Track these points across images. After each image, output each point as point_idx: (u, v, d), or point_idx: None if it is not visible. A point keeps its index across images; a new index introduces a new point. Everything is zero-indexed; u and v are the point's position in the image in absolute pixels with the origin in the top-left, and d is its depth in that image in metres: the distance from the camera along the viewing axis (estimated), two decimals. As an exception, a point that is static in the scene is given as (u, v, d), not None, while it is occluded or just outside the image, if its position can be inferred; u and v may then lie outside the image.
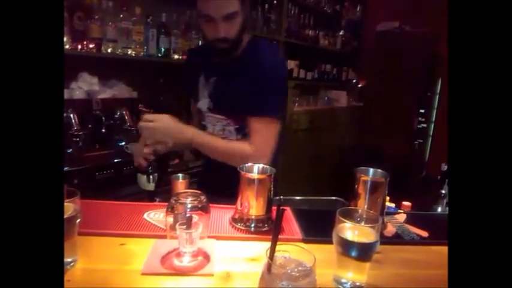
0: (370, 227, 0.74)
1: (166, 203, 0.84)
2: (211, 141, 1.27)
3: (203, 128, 1.39)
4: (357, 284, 0.73)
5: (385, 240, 0.92)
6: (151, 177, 1.23)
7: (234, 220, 0.99)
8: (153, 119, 1.20)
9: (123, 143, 1.98)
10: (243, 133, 1.32)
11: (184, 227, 0.77)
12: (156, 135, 1.19)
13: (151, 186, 1.24)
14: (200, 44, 1.53)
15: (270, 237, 0.61)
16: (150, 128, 1.19)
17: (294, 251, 0.63)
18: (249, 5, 1.29)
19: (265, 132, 1.26)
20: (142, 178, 1.24)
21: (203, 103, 1.37)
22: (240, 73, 1.28)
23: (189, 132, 1.24)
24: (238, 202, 0.98)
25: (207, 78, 1.36)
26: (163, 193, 1.92)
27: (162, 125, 1.20)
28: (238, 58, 1.29)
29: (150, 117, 1.20)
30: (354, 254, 0.71)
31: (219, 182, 1.12)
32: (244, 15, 1.22)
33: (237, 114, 1.31)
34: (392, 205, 1.32)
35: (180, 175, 1.16)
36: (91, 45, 1.91)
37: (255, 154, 1.22)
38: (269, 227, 0.96)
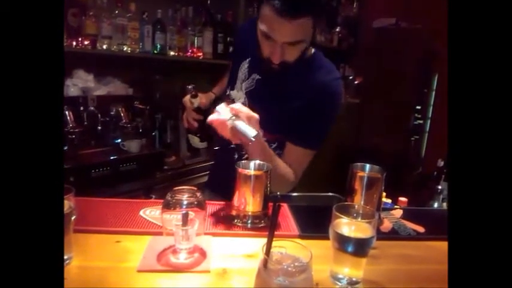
0: (367, 222, 0.74)
1: (162, 200, 0.83)
2: (272, 154, 1.12)
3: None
4: (354, 279, 0.73)
5: (381, 235, 0.92)
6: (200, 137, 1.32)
7: (230, 217, 0.99)
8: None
9: (119, 140, 1.97)
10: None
11: (180, 223, 0.77)
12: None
13: (203, 145, 1.37)
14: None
15: (267, 233, 0.61)
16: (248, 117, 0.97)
17: (291, 247, 0.62)
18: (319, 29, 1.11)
19: (305, 163, 1.22)
20: (195, 139, 1.33)
21: (238, 95, 1.23)
22: (290, 88, 1.15)
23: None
24: (235, 198, 0.98)
25: (250, 71, 1.19)
26: (159, 190, 1.92)
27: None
28: (295, 70, 1.11)
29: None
30: (350, 249, 0.71)
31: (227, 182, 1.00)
32: (309, 41, 1.07)
33: (273, 131, 1.16)
34: (389, 201, 1.32)
35: None
36: (86, 42, 1.89)
37: (294, 181, 1.21)
38: (266, 223, 0.96)
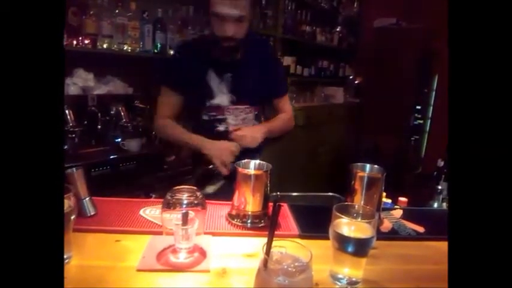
0: (367, 222, 0.74)
1: (162, 199, 0.83)
2: (274, 125, 1.51)
3: (221, 121, 1.45)
4: (353, 279, 0.73)
5: (381, 235, 0.92)
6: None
7: (230, 216, 0.99)
8: (241, 130, 1.37)
9: (119, 140, 1.97)
10: (259, 120, 1.51)
11: (180, 223, 0.77)
12: (249, 140, 1.35)
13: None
14: (193, 41, 1.78)
15: (267, 233, 0.60)
16: (247, 136, 1.34)
17: (291, 247, 0.62)
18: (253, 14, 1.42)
19: (289, 104, 1.64)
20: (211, 187, 1.38)
21: (223, 99, 1.42)
22: (254, 65, 1.45)
23: (262, 126, 1.46)
24: (235, 198, 0.98)
25: (220, 74, 1.40)
26: (159, 189, 1.91)
27: (249, 130, 1.39)
28: (246, 53, 1.41)
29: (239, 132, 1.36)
30: (350, 249, 0.71)
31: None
32: (249, 21, 1.34)
33: (259, 102, 1.52)
34: (389, 201, 1.32)
35: (74, 168, 1.00)
36: (86, 41, 1.89)
37: (292, 119, 1.61)
38: (265, 223, 0.96)
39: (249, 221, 0.96)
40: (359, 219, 0.76)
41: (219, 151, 1.31)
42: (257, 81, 1.45)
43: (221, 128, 1.43)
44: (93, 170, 1.71)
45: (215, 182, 1.36)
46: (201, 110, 1.43)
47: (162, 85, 1.46)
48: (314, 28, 3.65)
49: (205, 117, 1.43)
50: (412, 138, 3.91)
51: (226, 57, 1.37)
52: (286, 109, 1.59)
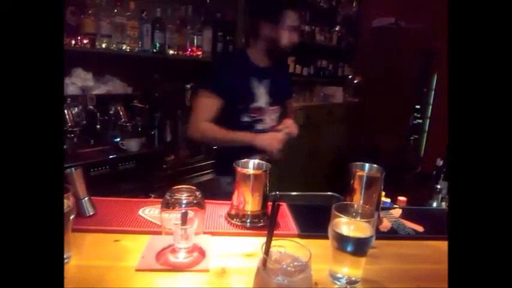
0: (366, 221, 0.74)
1: (161, 199, 0.83)
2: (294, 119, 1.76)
3: (259, 121, 1.63)
4: (353, 279, 0.73)
5: (380, 235, 0.92)
6: None
7: (229, 216, 0.98)
8: (284, 122, 1.62)
9: (118, 139, 1.97)
10: (279, 120, 1.68)
11: (179, 222, 0.77)
12: (295, 129, 1.64)
13: None
14: (234, 51, 2.32)
15: (266, 232, 0.60)
16: (293, 126, 1.63)
17: (290, 246, 0.62)
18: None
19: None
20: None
21: (263, 101, 1.61)
22: (280, 70, 1.73)
23: (292, 119, 1.70)
24: (234, 198, 0.98)
25: (260, 80, 1.59)
26: (158, 189, 1.91)
27: (290, 121, 1.63)
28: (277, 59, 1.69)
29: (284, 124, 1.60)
30: (349, 249, 0.71)
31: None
32: None
33: (284, 103, 1.76)
34: (388, 200, 1.32)
35: (73, 168, 0.98)
36: (85, 41, 1.89)
37: None
38: (265, 223, 0.96)
39: (248, 220, 0.96)
40: (358, 219, 0.76)
41: (270, 140, 1.51)
42: (283, 84, 1.74)
43: (259, 127, 1.61)
44: (92, 170, 1.71)
45: None
46: (243, 112, 1.57)
47: (205, 90, 1.55)
48: (313, 27, 3.64)
49: (246, 119, 1.58)
50: (411, 138, 3.91)
51: (280, 61, 1.70)
52: (292, 109, 1.89)
